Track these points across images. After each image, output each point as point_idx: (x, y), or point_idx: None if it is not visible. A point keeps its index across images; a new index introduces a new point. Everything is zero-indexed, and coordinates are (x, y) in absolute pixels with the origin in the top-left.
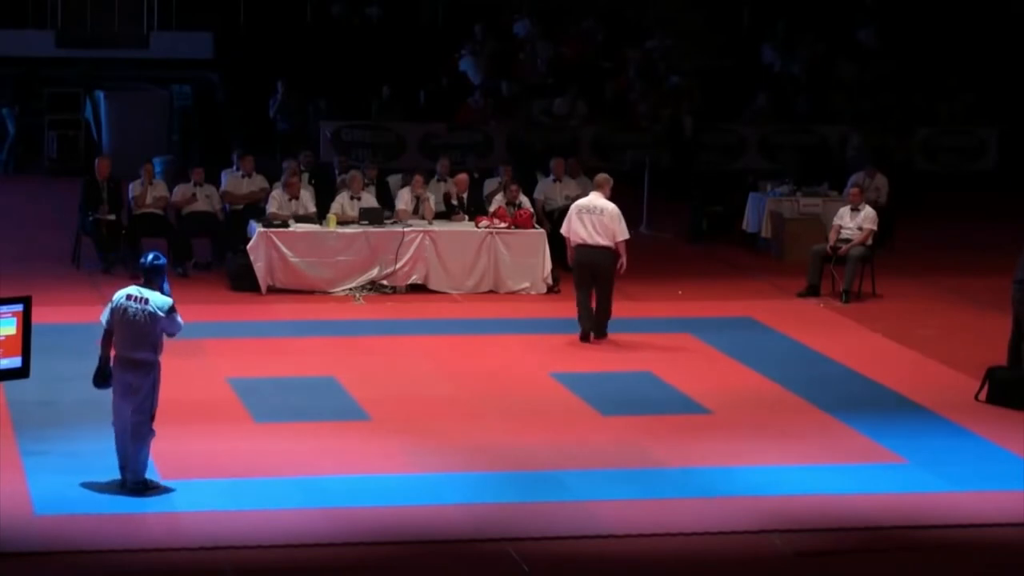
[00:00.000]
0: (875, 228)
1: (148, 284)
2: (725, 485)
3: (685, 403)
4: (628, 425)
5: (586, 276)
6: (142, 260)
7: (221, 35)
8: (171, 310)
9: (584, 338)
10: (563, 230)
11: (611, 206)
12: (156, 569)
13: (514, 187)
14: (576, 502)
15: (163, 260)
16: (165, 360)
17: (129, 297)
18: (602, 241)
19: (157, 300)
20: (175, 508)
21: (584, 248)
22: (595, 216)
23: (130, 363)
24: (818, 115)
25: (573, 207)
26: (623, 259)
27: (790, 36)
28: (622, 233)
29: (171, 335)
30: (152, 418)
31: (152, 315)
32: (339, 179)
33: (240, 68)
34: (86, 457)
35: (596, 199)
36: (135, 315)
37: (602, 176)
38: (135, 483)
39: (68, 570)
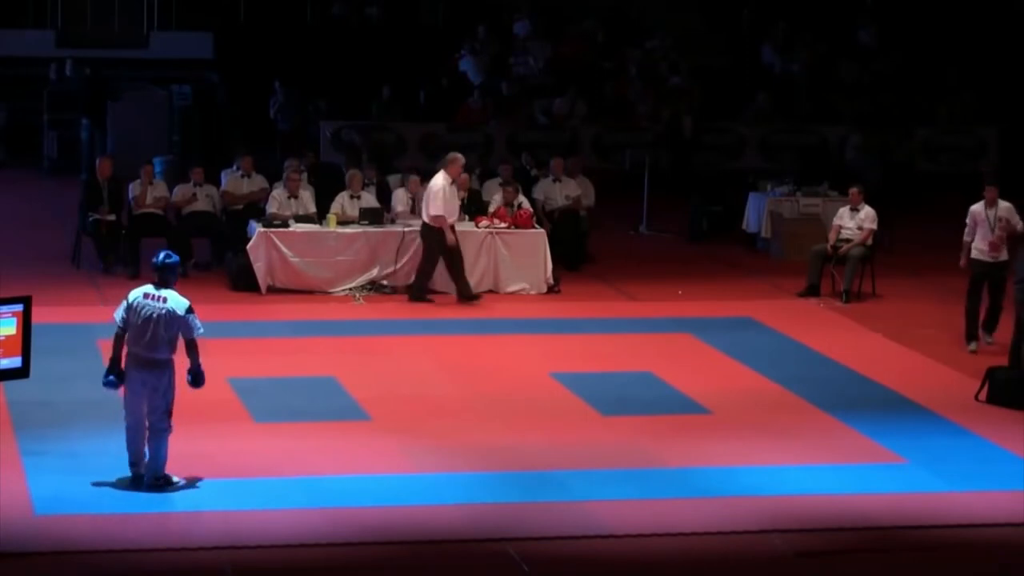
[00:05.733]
0: (875, 227)
1: (163, 283)
2: (725, 485)
3: (685, 403)
4: (628, 425)
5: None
6: (154, 259)
7: (221, 35)
8: (189, 311)
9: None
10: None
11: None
12: (156, 569)
13: (511, 187)
14: (576, 502)
15: (175, 258)
16: None
17: (146, 296)
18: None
19: (175, 300)
20: (175, 508)
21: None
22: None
23: (146, 362)
24: (818, 115)
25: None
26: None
27: (790, 36)
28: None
29: (188, 338)
30: (170, 414)
31: (171, 314)
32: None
33: (240, 68)
34: (86, 457)
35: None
36: (153, 314)
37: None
38: (155, 479)
39: (68, 570)
